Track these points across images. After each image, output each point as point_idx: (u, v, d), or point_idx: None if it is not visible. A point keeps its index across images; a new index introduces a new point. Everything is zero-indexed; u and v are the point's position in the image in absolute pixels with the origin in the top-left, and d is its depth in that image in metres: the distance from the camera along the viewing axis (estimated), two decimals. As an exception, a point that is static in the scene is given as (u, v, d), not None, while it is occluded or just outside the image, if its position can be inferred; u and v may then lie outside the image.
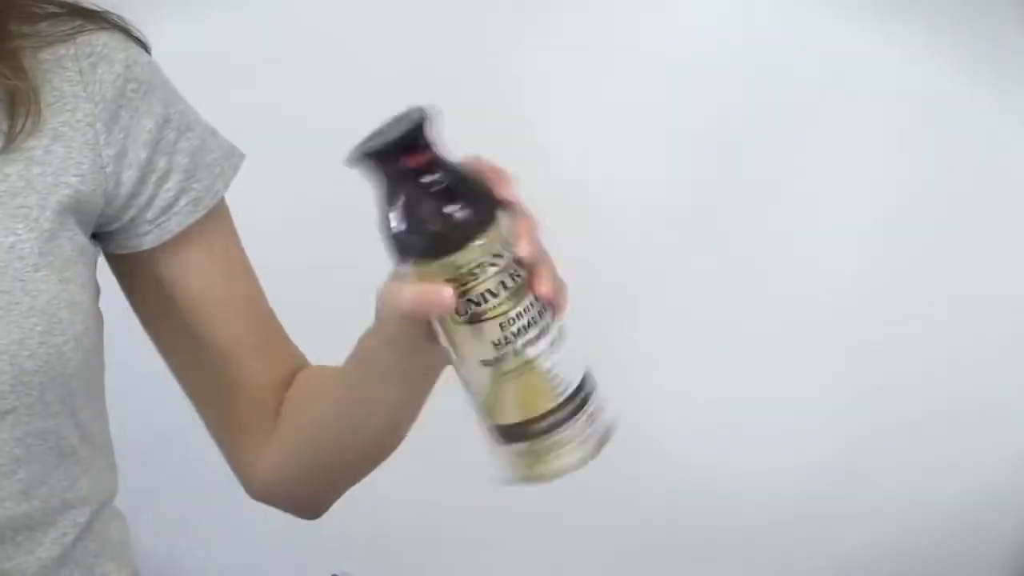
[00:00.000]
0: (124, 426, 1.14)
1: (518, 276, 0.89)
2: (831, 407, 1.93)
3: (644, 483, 1.89)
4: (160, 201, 1.07)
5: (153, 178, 1.06)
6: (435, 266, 0.88)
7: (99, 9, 1.07)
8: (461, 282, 0.88)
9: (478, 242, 0.88)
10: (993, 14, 1.86)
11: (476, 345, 0.89)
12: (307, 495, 1.16)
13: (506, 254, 0.89)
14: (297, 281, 1.61)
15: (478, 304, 0.88)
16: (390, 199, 0.88)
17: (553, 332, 0.90)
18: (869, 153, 1.90)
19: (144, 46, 1.09)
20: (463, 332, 0.89)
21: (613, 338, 1.81)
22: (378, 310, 0.96)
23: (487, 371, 0.90)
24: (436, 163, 0.88)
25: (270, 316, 1.15)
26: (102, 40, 1.05)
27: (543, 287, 0.90)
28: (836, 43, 1.88)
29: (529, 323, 0.89)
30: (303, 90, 1.82)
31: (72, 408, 1.04)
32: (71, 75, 1.04)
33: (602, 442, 0.92)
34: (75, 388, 1.04)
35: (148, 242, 1.08)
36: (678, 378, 1.91)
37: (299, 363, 1.16)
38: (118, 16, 1.08)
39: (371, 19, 1.84)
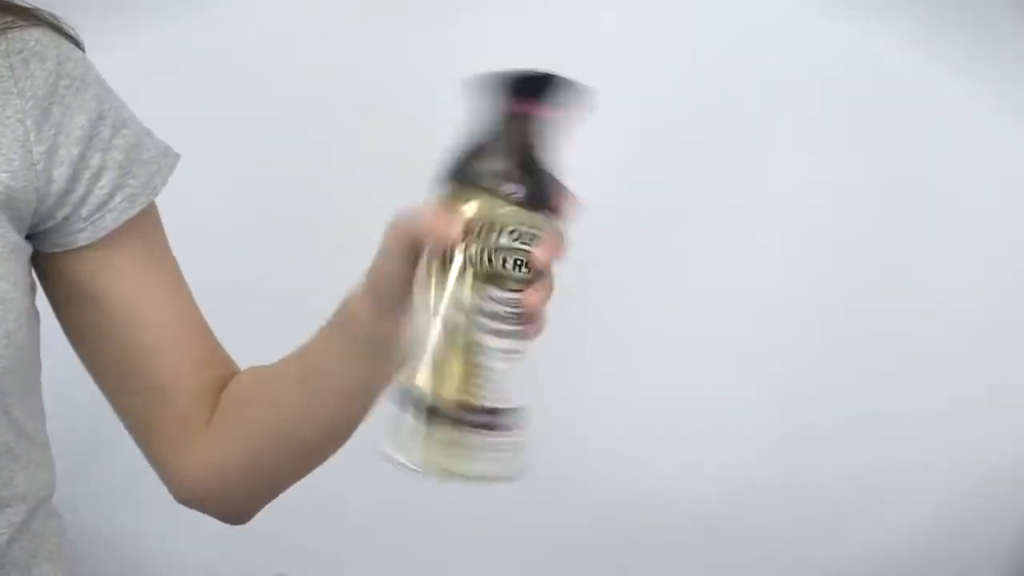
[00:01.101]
0: (60, 425, 1.13)
1: (520, 270, 0.89)
2: (823, 405, 1.91)
3: (604, 485, 1.88)
4: (94, 198, 1.06)
5: (87, 175, 1.06)
6: (466, 197, 0.89)
7: (30, 6, 1.07)
8: (473, 230, 0.88)
9: (515, 209, 0.88)
10: (993, 14, 1.84)
11: (442, 297, 0.89)
12: (241, 495, 1.15)
13: (525, 246, 0.89)
14: (229, 289, 1.62)
15: (471, 260, 0.88)
16: (487, 124, 0.90)
17: (513, 344, 0.90)
18: (864, 152, 1.88)
19: (77, 43, 1.09)
20: (440, 277, 0.89)
21: (563, 338, 1.79)
22: (385, 238, 0.96)
23: (437, 327, 0.89)
24: (546, 127, 0.90)
25: (200, 316, 1.14)
26: (34, 36, 1.05)
27: (533, 298, 0.89)
28: (834, 42, 1.86)
29: (499, 315, 0.89)
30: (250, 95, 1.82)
31: (5, 406, 1.04)
32: (2, 71, 1.03)
33: (510, 472, 0.91)
34: (7, 386, 1.03)
35: (82, 239, 1.07)
36: (655, 377, 1.89)
37: (230, 367, 1.15)
38: (50, 13, 1.08)
39: (320, 20, 1.84)
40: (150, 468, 1.15)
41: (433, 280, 0.90)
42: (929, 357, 1.91)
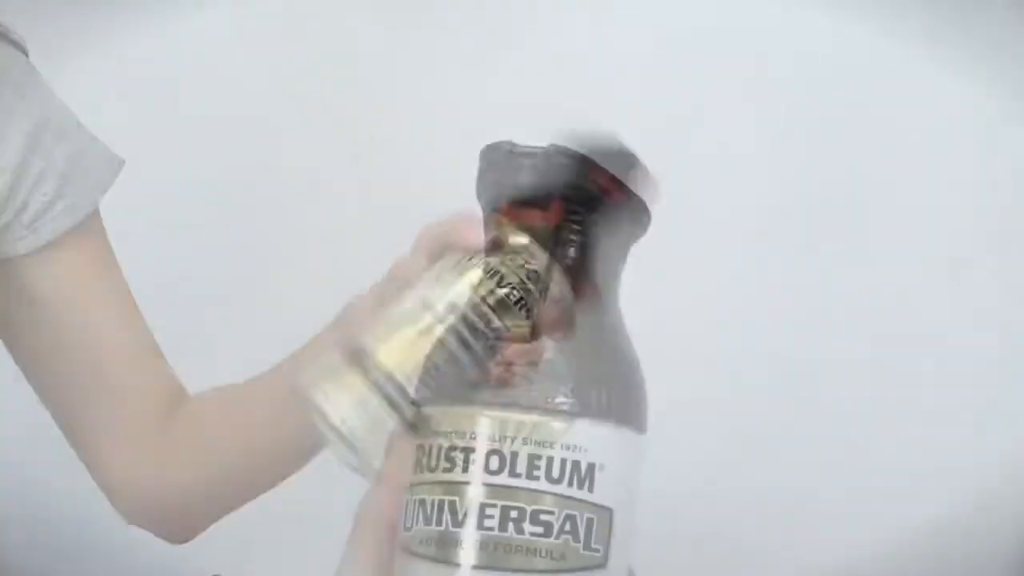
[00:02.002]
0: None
1: (519, 309, 0.85)
2: (821, 406, 1.90)
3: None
4: (36, 205, 1.06)
5: (28, 181, 1.05)
6: (513, 229, 0.85)
7: None
8: (502, 250, 0.85)
9: (553, 262, 0.84)
10: (993, 14, 1.83)
11: (436, 286, 0.85)
12: (184, 517, 1.14)
13: (538, 292, 0.85)
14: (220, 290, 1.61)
15: (485, 271, 0.84)
16: (570, 181, 0.83)
17: (466, 361, 0.84)
18: (865, 152, 1.87)
19: (21, 49, 1.08)
20: (446, 271, 0.86)
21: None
22: (417, 238, 0.95)
23: (415, 304, 0.85)
24: (574, 223, 0.84)
25: (144, 326, 1.13)
26: None
27: (514, 352, 0.83)
28: (832, 41, 1.86)
29: (476, 330, 0.85)
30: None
31: None
32: None
33: (352, 451, 0.83)
34: None
35: (23, 247, 1.06)
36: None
37: (176, 382, 1.14)
38: (-7, 20, 1.08)
39: (319, 21, 1.84)
40: (79, 477, 1.14)
41: (438, 270, 0.87)
42: (926, 356, 1.89)
